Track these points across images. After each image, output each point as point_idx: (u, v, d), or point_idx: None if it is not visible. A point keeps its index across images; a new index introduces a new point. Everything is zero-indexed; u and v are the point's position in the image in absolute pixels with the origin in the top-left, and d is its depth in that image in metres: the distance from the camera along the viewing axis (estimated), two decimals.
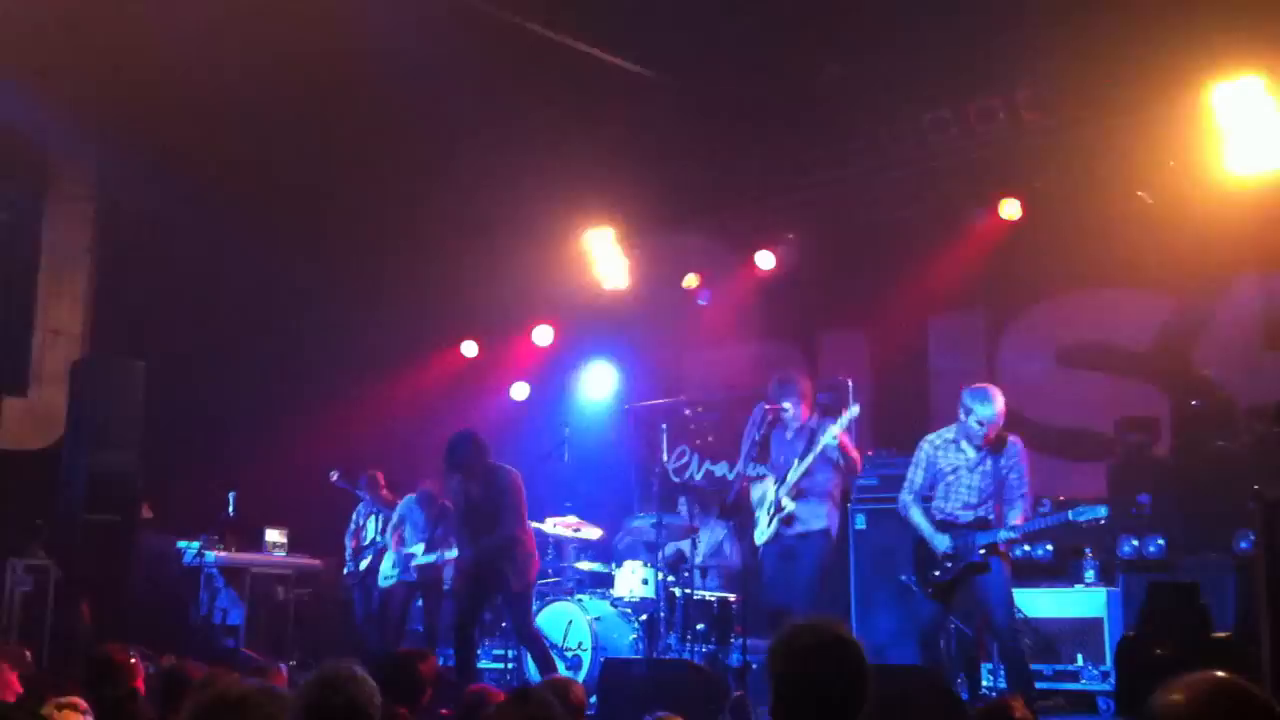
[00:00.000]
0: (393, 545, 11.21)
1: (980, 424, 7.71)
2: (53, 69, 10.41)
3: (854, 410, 8.50)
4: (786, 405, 8.64)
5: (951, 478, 7.81)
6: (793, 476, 8.50)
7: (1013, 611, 7.79)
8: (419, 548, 10.86)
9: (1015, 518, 7.60)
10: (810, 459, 8.42)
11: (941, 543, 7.68)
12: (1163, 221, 10.31)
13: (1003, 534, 7.56)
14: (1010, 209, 10.88)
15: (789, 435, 8.72)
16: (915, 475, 7.97)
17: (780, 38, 10.12)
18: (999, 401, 7.75)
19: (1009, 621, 7.67)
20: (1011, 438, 7.81)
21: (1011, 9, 9.56)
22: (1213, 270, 10.40)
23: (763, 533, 8.65)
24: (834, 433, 8.30)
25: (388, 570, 11.13)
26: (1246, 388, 9.89)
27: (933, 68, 10.23)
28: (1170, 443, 10.04)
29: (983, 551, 7.55)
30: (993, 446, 7.72)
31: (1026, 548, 9.87)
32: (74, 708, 5.13)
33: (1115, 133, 10.41)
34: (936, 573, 7.69)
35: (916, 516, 7.87)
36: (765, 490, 8.74)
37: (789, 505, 8.46)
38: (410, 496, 11.44)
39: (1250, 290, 10.42)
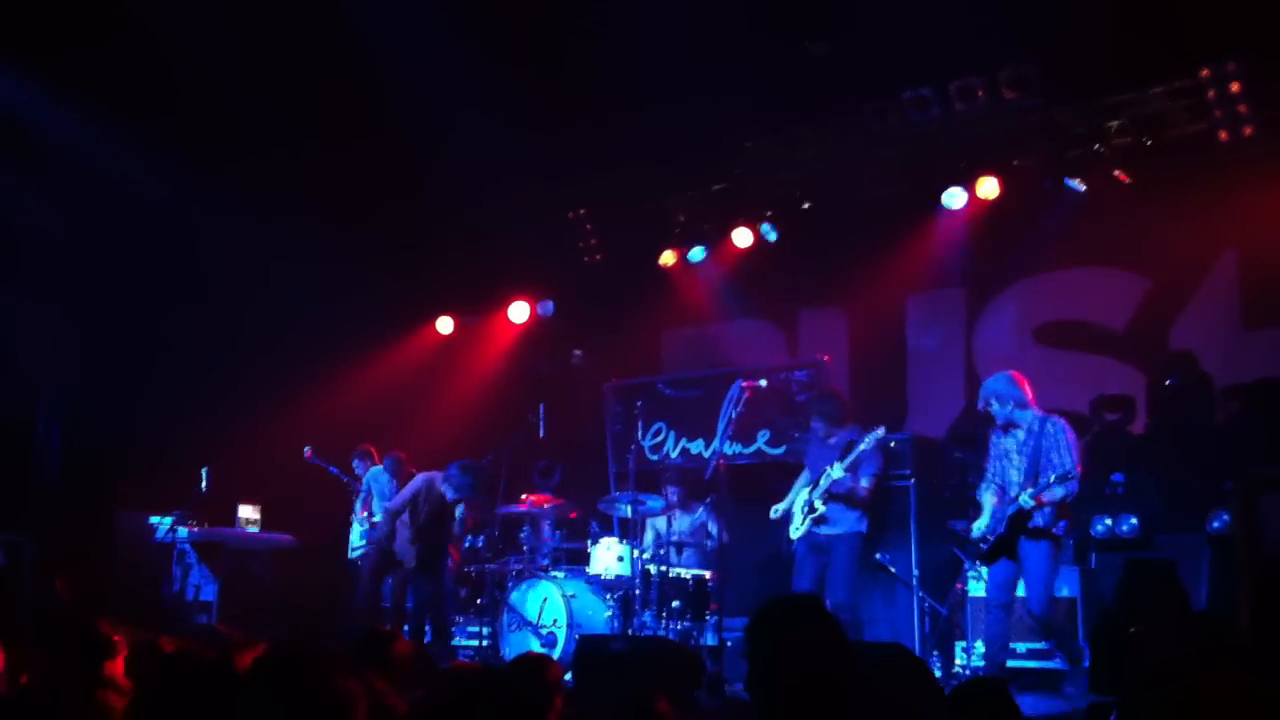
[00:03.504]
0: (359, 514, 11.18)
1: (991, 404, 8.27)
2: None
3: (879, 432, 9.03)
4: (827, 426, 9.38)
5: (1005, 461, 8.26)
6: (825, 482, 9.07)
7: (1048, 590, 8.00)
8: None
9: (1040, 486, 7.90)
10: (840, 470, 8.99)
11: (977, 526, 8.25)
12: (1141, 200, 10.34)
13: (1023, 499, 7.88)
14: (988, 188, 10.87)
15: (830, 444, 9.32)
16: (987, 464, 8.45)
17: (763, 15, 10.05)
18: (1000, 383, 8.27)
19: (1041, 601, 7.93)
20: (1054, 418, 8.12)
21: None
22: (1190, 249, 10.43)
23: (797, 529, 9.25)
24: (862, 448, 8.95)
25: (355, 541, 11.12)
26: (1224, 366, 9.93)
27: (914, 46, 10.18)
28: (1146, 421, 10.07)
29: (1008, 523, 7.98)
30: (1036, 430, 8.08)
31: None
32: (115, 685, 5.10)
33: (1094, 113, 10.43)
34: (981, 545, 8.21)
35: (987, 500, 8.33)
36: (799, 492, 9.39)
37: (820, 507, 9.10)
38: (376, 467, 11.40)
39: (1228, 269, 10.44)
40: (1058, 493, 7.82)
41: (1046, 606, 7.95)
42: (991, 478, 8.31)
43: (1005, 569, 8.12)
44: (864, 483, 9.09)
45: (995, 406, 8.23)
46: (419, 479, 10.54)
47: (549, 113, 11.29)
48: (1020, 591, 8.22)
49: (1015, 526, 7.97)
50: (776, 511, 9.46)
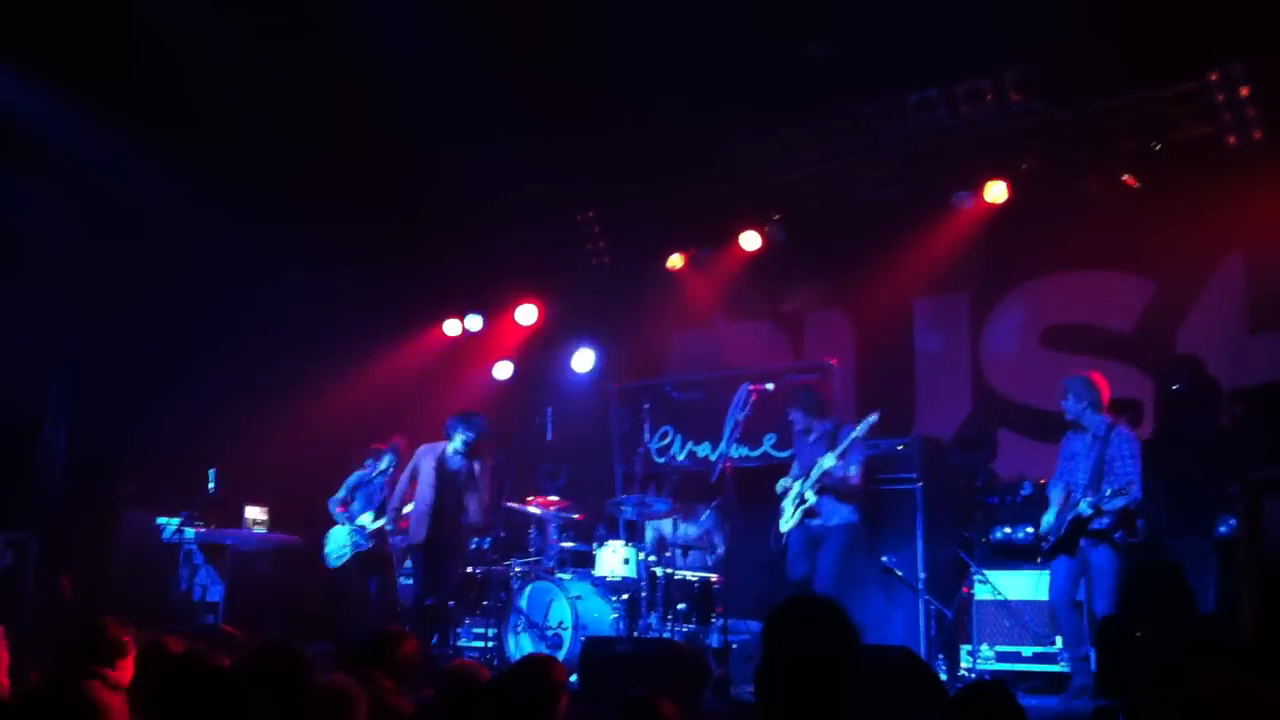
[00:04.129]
0: (337, 512, 11.13)
1: (1068, 399, 8.41)
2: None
3: (873, 418, 9.17)
4: (805, 416, 9.53)
5: (1072, 462, 8.42)
6: (816, 473, 9.22)
7: (1112, 595, 8.07)
8: (368, 516, 10.91)
9: (1104, 495, 8.02)
10: (832, 459, 9.13)
11: (1045, 520, 8.42)
12: (1147, 204, 10.33)
13: (1082, 507, 8.06)
14: (996, 191, 10.86)
15: (812, 438, 9.48)
16: (1058, 463, 8.62)
17: (765, 17, 10.05)
18: (1079, 382, 8.42)
19: (1106, 604, 8.02)
20: (1120, 427, 8.28)
21: None
22: (1197, 253, 10.42)
23: (788, 521, 9.40)
24: (855, 435, 9.13)
25: (343, 541, 11.07)
26: (1230, 370, 9.91)
27: (918, 48, 10.17)
28: (1153, 425, 10.05)
29: (1069, 526, 8.16)
30: (1102, 436, 8.22)
31: (1007, 529, 9.90)
32: (103, 678, 5.12)
33: (1101, 115, 10.43)
34: (1044, 544, 8.43)
35: (1052, 494, 8.53)
36: (789, 486, 9.51)
37: (811, 498, 9.24)
38: (360, 472, 11.34)
39: (1234, 273, 10.43)
40: (1118, 503, 7.96)
41: (1109, 609, 7.99)
42: (1060, 476, 8.50)
43: (1065, 567, 8.30)
44: (853, 470, 9.22)
45: (1071, 401, 8.37)
46: (415, 456, 10.58)
47: (554, 118, 11.29)
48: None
49: (1075, 530, 8.15)
50: (783, 484, 9.60)
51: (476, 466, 10.49)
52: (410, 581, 11.14)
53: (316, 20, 10.37)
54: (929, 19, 9.72)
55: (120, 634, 5.59)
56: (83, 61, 10.53)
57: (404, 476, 10.63)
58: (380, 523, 10.86)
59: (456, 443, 10.38)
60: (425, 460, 10.46)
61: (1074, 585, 8.35)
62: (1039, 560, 8.75)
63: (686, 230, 12.77)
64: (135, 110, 11.00)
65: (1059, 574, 8.36)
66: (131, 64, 10.53)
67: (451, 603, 10.42)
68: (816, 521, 9.29)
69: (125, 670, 5.54)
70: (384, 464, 11.14)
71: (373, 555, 10.95)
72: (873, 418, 9.17)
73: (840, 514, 9.27)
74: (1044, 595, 9.16)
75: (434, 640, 10.16)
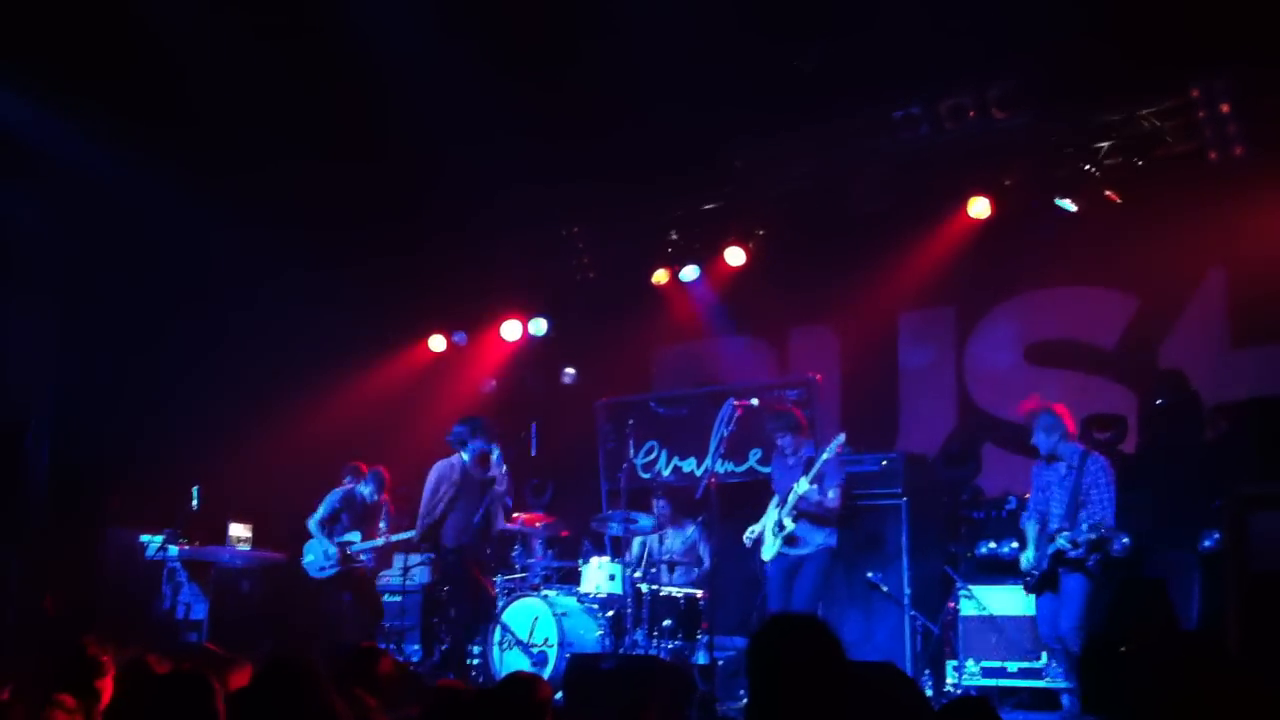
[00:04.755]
0: (319, 533, 11.10)
1: (1039, 435, 8.41)
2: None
3: (840, 439, 9.24)
4: (795, 440, 9.53)
5: (1046, 493, 8.42)
6: (792, 499, 9.22)
7: (1078, 621, 8.07)
8: (356, 535, 10.92)
9: (1080, 530, 8.02)
10: (805, 483, 9.17)
11: (1025, 558, 8.43)
12: (1129, 219, 10.38)
13: (1061, 542, 8.07)
14: (979, 207, 10.89)
15: (790, 462, 9.52)
16: (1030, 495, 8.66)
17: (752, 32, 10.08)
18: (1048, 416, 8.41)
19: (1069, 632, 8.04)
20: (1094, 455, 8.29)
21: (983, 6, 9.56)
22: (1179, 269, 10.46)
23: (770, 549, 9.40)
24: (824, 458, 9.17)
25: (321, 562, 11.07)
26: (1213, 385, 9.95)
27: (902, 62, 10.21)
28: (1137, 440, 10.08)
29: (1049, 561, 8.18)
30: (1076, 465, 8.23)
31: (993, 544, 9.91)
32: (62, 705, 5.07)
33: (1084, 132, 10.47)
34: (1027, 579, 8.44)
35: (1026, 527, 8.53)
36: (768, 513, 9.54)
37: (790, 525, 9.28)
38: (338, 489, 11.31)
39: (1216, 288, 10.47)
40: (1093, 537, 7.98)
41: (1076, 635, 8.01)
42: (1034, 508, 8.49)
43: (1050, 604, 8.28)
44: (831, 494, 9.23)
45: (1041, 437, 8.37)
46: (433, 471, 10.34)
47: (542, 132, 11.30)
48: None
49: (1055, 564, 8.18)
50: (751, 534, 9.61)
51: (498, 470, 10.20)
52: (399, 599, 11.15)
53: (309, 36, 10.35)
54: (911, 35, 9.76)
55: (99, 653, 5.55)
56: (72, 62, 10.44)
57: (426, 496, 10.29)
58: (372, 543, 10.85)
59: (474, 450, 10.19)
60: (445, 476, 10.25)
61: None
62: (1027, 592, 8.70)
63: (672, 245, 12.76)
64: (129, 114, 10.93)
65: (1045, 609, 8.35)
66: (123, 65, 10.44)
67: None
68: (795, 550, 9.31)
69: (104, 690, 5.51)
70: (368, 489, 11.16)
71: (351, 573, 10.94)
72: (840, 438, 9.23)
73: (817, 539, 9.28)
74: (1029, 610, 9.19)
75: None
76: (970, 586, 9.52)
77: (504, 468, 10.15)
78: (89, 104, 10.81)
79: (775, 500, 9.57)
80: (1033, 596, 8.54)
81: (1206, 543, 8.77)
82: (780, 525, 9.32)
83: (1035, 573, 8.30)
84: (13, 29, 10.06)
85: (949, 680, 9.49)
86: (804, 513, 9.23)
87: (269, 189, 11.84)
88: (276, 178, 11.67)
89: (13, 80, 10.71)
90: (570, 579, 10.74)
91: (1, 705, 5.44)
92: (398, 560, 12.15)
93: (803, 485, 9.16)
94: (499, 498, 10.20)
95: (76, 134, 11.16)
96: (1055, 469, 8.35)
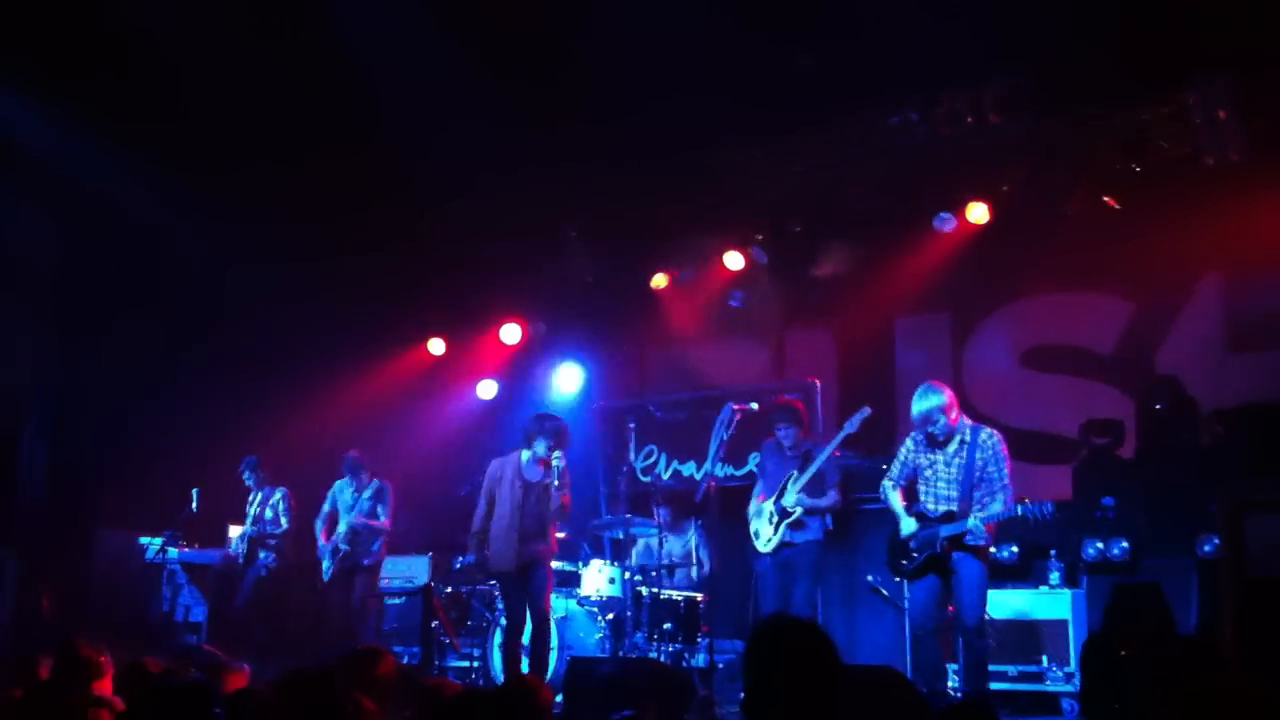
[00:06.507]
0: (321, 538, 11.12)
1: (918, 420, 7.93)
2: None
3: (865, 412, 9.08)
4: (795, 433, 9.38)
5: (929, 472, 8.00)
6: (793, 487, 9.17)
7: (982, 611, 7.82)
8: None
9: (992, 510, 7.63)
10: (806, 477, 9.09)
11: (907, 527, 7.91)
12: (1125, 224, 10.40)
13: (970, 522, 7.62)
14: (977, 212, 10.91)
15: (789, 455, 9.41)
16: (894, 466, 8.23)
17: (750, 35, 10.10)
18: (932, 398, 7.91)
19: (976, 621, 7.73)
20: (988, 430, 7.94)
21: (979, 10, 9.58)
22: (1176, 274, 10.48)
23: (769, 541, 9.24)
24: (830, 450, 9.13)
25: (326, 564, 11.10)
26: (1210, 390, 9.96)
27: (898, 64, 10.23)
28: (1135, 445, 10.10)
29: (945, 544, 7.73)
30: (969, 441, 7.83)
31: (992, 549, 9.90)
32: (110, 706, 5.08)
33: (1081, 136, 10.50)
34: (904, 562, 7.96)
35: (892, 500, 8.14)
36: (759, 507, 9.42)
37: (798, 510, 9.11)
38: (341, 480, 11.30)
39: (1213, 293, 10.49)
40: (999, 513, 7.62)
41: (979, 622, 7.74)
42: (899, 478, 8.10)
43: (933, 589, 7.85)
44: (831, 494, 9.23)
45: (943, 422, 7.85)
46: (489, 470, 9.60)
47: (537, 133, 11.32)
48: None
49: (953, 545, 7.71)
50: (755, 531, 9.44)
51: (555, 473, 9.36)
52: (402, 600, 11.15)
53: (295, 36, 10.36)
54: (906, 40, 9.78)
55: (95, 654, 5.54)
56: (64, 66, 10.47)
57: (481, 498, 9.58)
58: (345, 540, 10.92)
59: (538, 450, 9.39)
60: (500, 475, 9.51)
61: (945, 607, 7.94)
62: (899, 580, 8.42)
63: (670, 248, 12.77)
64: (124, 117, 10.97)
65: (926, 597, 7.94)
66: (115, 68, 10.48)
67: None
68: (798, 536, 9.17)
69: (104, 690, 5.51)
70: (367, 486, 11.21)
71: (347, 570, 10.95)
72: (865, 411, 9.05)
73: (807, 531, 9.19)
74: (1031, 614, 9.22)
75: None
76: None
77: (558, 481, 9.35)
78: (84, 108, 10.85)
79: (758, 490, 9.51)
80: (1036, 600, 8.50)
81: (1206, 547, 8.77)
82: (783, 512, 9.14)
83: (918, 555, 7.82)
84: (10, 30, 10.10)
85: (949, 684, 9.48)
86: (810, 511, 9.18)
87: (267, 190, 11.86)
88: (274, 179, 11.68)
89: (6, 84, 10.74)
90: (570, 582, 10.74)
91: (39, 685, 5.42)
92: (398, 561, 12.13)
93: (796, 490, 9.13)
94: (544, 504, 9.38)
95: (72, 138, 11.19)
96: (934, 447, 7.94)
